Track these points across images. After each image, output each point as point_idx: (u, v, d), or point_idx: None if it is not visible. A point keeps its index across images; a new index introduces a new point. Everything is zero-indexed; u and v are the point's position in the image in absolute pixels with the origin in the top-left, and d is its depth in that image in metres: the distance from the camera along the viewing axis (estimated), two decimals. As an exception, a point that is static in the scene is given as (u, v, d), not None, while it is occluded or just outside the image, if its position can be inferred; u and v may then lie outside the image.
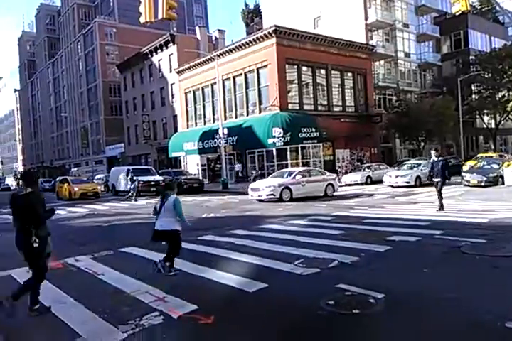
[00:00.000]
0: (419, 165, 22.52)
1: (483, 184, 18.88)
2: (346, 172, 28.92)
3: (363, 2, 35.80)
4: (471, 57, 40.13)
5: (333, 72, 31.35)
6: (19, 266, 7.29)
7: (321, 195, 18.32)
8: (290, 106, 28.60)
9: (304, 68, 29.90)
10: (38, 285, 4.93)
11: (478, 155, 28.70)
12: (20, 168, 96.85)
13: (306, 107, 29.62)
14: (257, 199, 17.69)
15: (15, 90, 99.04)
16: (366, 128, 31.44)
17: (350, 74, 32.77)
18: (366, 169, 26.57)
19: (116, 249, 8.45)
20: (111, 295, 5.44)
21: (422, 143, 34.67)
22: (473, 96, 38.12)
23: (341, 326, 4.15)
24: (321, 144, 29.18)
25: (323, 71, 30.88)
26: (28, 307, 4.78)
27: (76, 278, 6.46)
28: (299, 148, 28.53)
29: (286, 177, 18.04)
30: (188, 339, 4.04)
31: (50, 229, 5.04)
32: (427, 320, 4.13)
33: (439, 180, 11.84)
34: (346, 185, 24.85)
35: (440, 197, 11.83)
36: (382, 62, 38.01)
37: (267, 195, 17.13)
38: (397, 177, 21.58)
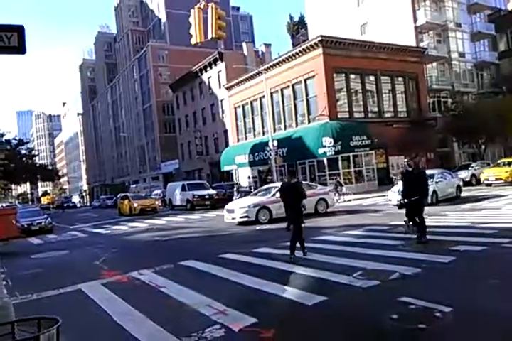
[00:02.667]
0: (432, 176, 16.93)
1: None
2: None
3: (411, 4, 34.96)
4: (531, 53, 37.69)
5: (382, 77, 30.71)
6: (87, 280, 7.78)
7: (312, 212, 15.77)
8: (339, 115, 28.29)
9: (353, 76, 29.56)
10: (299, 238, 8.22)
11: (500, 161, 25.97)
12: (85, 187, 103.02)
13: (356, 115, 29.17)
14: (239, 221, 15.39)
15: (78, 114, 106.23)
16: (420, 133, 30.24)
17: (400, 78, 31.93)
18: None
19: (176, 263, 8.71)
20: (174, 307, 5.62)
21: (483, 147, 32.76)
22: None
23: (406, 341, 4.00)
24: (373, 152, 28.50)
25: (372, 77, 30.36)
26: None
27: (140, 292, 6.74)
28: (351, 157, 28.03)
29: (265, 194, 16.25)
30: (250, 353, 4.07)
31: None
32: (499, 336, 3.88)
33: (416, 198, 8.77)
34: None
35: (421, 223, 8.78)
36: (434, 64, 36.68)
37: (241, 217, 15.17)
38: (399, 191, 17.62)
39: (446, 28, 36.85)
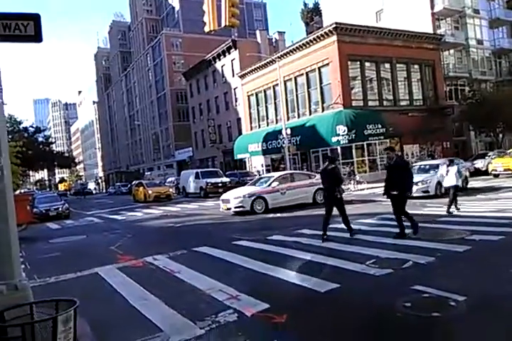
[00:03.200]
0: (436, 166, 16.67)
1: None
2: (417, 169, 27.58)
3: (428, -10, 34.01)
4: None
5: (398, 65, 30.16)
6: (103, 265, 7.95)
7: (310, 202, 15.83)
8: (354, 103, 27.95)
9: (367, 63, 29.09)
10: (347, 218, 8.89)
11: (509, 150, 24.88)
12: (101, 174, 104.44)
13: (370, 103, 28.79)
14: (234, 211, 15.25)
15: (93, 102, 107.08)
16: (436, 122, 29.78)
17: (417, 66, 31.32)
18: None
19: (190, 249, 8.83)
20: (187, 292, 5.71)
21: (500, 135, 32.09)
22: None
23: (420, 329, 4.00)
24: (387, 140, 28.16)
25: (387, 65, 29.84)
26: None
27: (155, 276, 6.87)
28: (365, 146, 27.79)
29: (261, 184, 16.10)
30: (262, 337, 4.13)
31: None
32: (515, 324, 3.86)
33: (394, 193, 8.21)
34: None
35: (408, 219, 8.26)
36: (452, 51, 35.79)
37: (236, 207, 15.01)
38: None
39: (464, 15, 35.83)
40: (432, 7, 33.98)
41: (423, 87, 31.65)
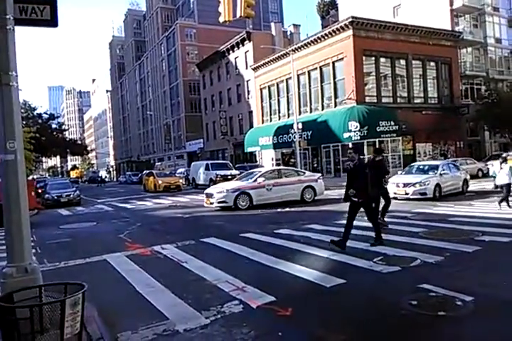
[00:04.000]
0: (436, 167, 15.80)
1: None
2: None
3: (448, -14, 33.36)
4: None
5: (414, 62, 29.73)
6: (112, 252, 8.03)
7: (297, 199, 15.40)
8: (367, 99, 27.68)
9: (383, 59, 28.72)
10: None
11: None
12: (112, 163, 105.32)
13: (384, 100, 28.47)
14: (216, 207, 14.86)
15: (106, 91, 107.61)
16: (451, 121, 29.38)
17: (433, 63, 30.84)
18: (450, 164, 24.85)
19: (198, 239, 8.88)
20: (194, 282, 5.75)
21: (516, 136, 31.58)
22: None
23: (425, 327, 3.97)
24: (400, 138, 27.90)
25: (403, 61, 29.43)
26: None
27: (163, 265, 6.92)
28: (377, 142, 27.52)
29: (247, 179, 15.60)
30: (267, 329, 4.14)
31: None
32: (523, 326, 3.81)
33: (356, 200, 7.41)
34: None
35: (377, 226, 7.67)
36: (469, 49, 35.17)
37: (218, 202, 14.55)
38: (406, 185, 14.57)
39: (483, 12, 35.11)
40: (451, 4, 33.35)
41: (438, 85, 31.18)
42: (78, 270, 6.82)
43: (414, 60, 29.66)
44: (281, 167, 20.33)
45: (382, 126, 25.74)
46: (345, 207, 8.57)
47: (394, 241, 7.62)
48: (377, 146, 25.07)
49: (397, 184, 14.85)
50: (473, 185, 19.19)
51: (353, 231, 8.87)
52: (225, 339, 3.85)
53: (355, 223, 9.74)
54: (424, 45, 29.55)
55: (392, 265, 5.99)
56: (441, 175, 15.12)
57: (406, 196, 14.47)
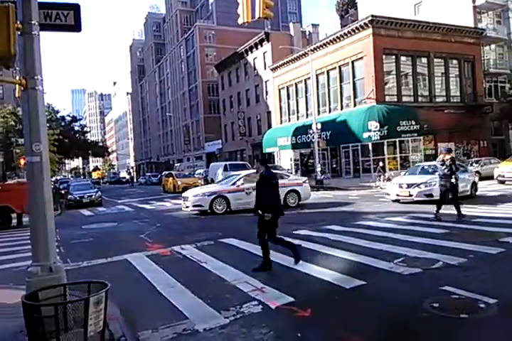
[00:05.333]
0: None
1: None
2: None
3: (470, -18, 32.64)
4: None
5: (435, 60, 29.21)
6: (132, 252, 8.16)
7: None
8: (387, 99, 27.32)
9: (403, 58, 28.32)
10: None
11: None
12: (132, 164, 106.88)
13: (404, 99, 28.06)
14: (197, 211, 14.45)
15: (127, 93, 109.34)
16: (474, 120, 28.74)
17: (455, 61, 30.23)
18: (474, 164, 24.31)
19: (217, 240, 8.94)
20: (213, 282, 5.79)
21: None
22: None
23: (447, 330, 3.90)
24: (421, 137, 27.42)
25: (424, 60, 28.95)
26: None
27: (182, 265, 7.00)
28: (397, 142, 27.14)
29: (226, 183, 15.18)
30: (286, 330, 4.14)
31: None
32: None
33: (261, 213, 6.43)
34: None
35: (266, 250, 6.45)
36: (492, 46, 34.28)
37: (194, 206, 14.09)
38: (410, 186, 13.51)
39: (506, 9, 34.15)
40: (474, 0, 32.62)
41: (461, 83, 30.54)
42: (100, 269, 6.95)
43: (436, 58, 29.15)
44: None
45: (403, 125, 25.38)
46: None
47: (416, 243, 7.50)
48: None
49: (400, 185, 13.89)
50: (493, 187, 18.65)
51: (372, 232, 8.79)
52: (244, 340, 3.87)
53: (375, 224, 9.60)
54: (446, 42, 29.00)
55: (414, 267, 5.89)
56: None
57: (410, 198, 13.53)
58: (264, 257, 6.35)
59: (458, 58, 30.10)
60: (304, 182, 15.88)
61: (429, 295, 4.68)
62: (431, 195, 12.98)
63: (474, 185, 15.19)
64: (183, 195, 15.11)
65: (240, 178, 14.78)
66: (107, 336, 3.50)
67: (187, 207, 14.46)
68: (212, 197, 14.12)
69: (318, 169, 23.53)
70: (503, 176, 19.34)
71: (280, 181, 14.53)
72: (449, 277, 5.38)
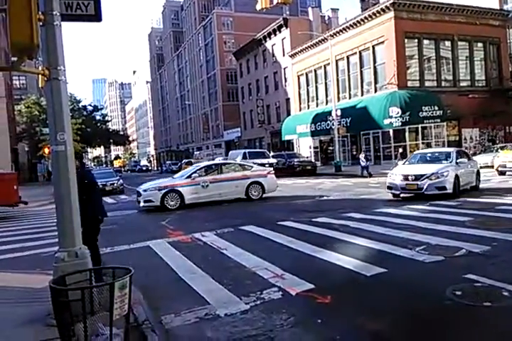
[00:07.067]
0: (448, 154, 12.82)
1: None
2: (474, 154, 26.17)
3: (498, -40, 31.30)
4: None
5: (459, 43, 28.33)
6: (154, 238, 8.31)
7: (242, 197, 14.18)
8: (409, 84, 26.75)
9: (426, 41, 27.56)
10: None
11: None
12: (152, 152, 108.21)
13: (427, 84, 27.40)
14: (149, 206, 13.47)
15: (146, 82, 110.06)
16: (500, 104, 27.87)
17: (480, 44, 29.28)
18: (499, 150, 23.66)
19: (236, 227, 9.02)
20: (233, 268, 5.86)
21: None
22: None
23: (470, 318, 3.87)
24: (444, 123, 26.84)
25: (447, 43, 28.11)
26: None
27: (203, 252, 7.10)
28: (419, 128, 26.64)
29: (181, 176, 14.34)
30: (307, 316, 4.17)
31: None
32: None
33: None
34: (482, 167, 21.52)
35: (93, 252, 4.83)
36: (521, 27, 33.00)
37: (144, 202, 13.20)
38: (418, 178, 11.54)
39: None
40: (501, -21, 31.33)
41: (486, 67, 29.61)
42: (123, 255, 7.11)
43: (460, 41, 28.29)
44: (225, 161, 18.61)
45: (426, 111, 24.86)
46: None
47: (438, 231, 7.40)
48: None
49: (405, 176, 11.75)
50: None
51: (394, 220, 8.71)
52: (265, 325, 3.92)
53: (396, 211, 9.48)
54: (470, 25, 28.10)
55: (435, 254, 5.83)
56: (457, 163, 12.14)
57: (419, 192, 11.55)
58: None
59: (483, 41, 29.18)
60: (269, 173, 15.09)
61: (452, 283, 4.63)
62: (443, 188, 11.34)
63: (478, 176, 13.51)
64: (137, 189, 14.09)
65: (196, 171, 14.05)
66: (132, 319, 3.60)
67: (138, 202, 13.57)
68: (163, 191, 13.14)
69: (362, 155, 22.12)
70: (505, 166, 17.40)
71: (241, 173, 14.45)
72: (472, 265, 5.30)
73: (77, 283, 3.18)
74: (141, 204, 13.39)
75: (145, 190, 13.46)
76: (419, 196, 11.72)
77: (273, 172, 15.59)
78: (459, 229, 7.40)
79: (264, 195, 14.64)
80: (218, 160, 40.10)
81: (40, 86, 5.21)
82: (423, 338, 3.64)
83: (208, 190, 13.62)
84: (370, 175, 21.53)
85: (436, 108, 25.02)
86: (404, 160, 14.27)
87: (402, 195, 12.20)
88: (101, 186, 22.09)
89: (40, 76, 4.04)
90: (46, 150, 22.52)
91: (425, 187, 11.38)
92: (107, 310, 2.94)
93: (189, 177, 13.73)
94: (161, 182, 14.03)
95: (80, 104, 54.98)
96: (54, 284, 3.05)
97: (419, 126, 26.13)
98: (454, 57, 28.30)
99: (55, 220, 4.05)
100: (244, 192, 14.24)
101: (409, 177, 11.67)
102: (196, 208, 13.12)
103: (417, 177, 11.53)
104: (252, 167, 15.21)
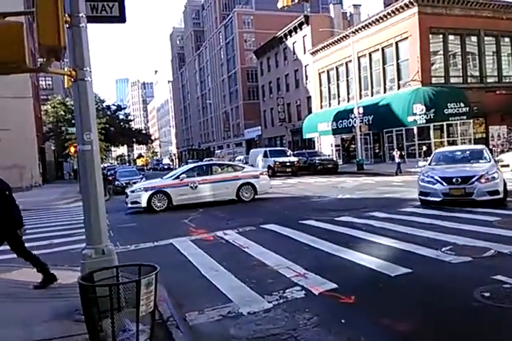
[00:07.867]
0: (480, 152, 11.28)
1: None
2: (502, 152, 25.43)
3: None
4: None
5: (486, 38, 27.55)
6: (177, 236, 8.40)
7: (233, 198, 13.80)
8: (434, 80, 26.18)
9: (451, 37, 26.91)
10: None
11: None
12: (174, 151, 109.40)
13: (452, 80, 26.76)
14: (136, 208, 13.35)
15: (168, 82, 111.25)
16: (530, 101, 27.00)
17: (507, 39, 28.44)
18: (528, 148, 22.90)
19: (258, 226, 9.03)
20: (256, 267, 5.88)
21: None
22: None
23: (499, 320, 3.77)
24: (471, 120, 26.17)
25: (474, 38, 27.38)
26: None
27: (225, 250, 7.14)
28: (444, 126, 26.06)
29: (170, 176, 13.96)
30: (330, 316, 4.15)
31: None
32: None
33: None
34: (502, 166, 21.05)
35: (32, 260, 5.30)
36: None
37: (131, 203, 13.02)
38: (466, 180, 9.45)
39: None
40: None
41: (515, 62, 28.70)
42: (148, 252, 7.23)
43: (487, 36, 27.52)
44: (217, 161, 18.01)
45: (451, 108, 24.30)
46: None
47: (464, 230, 7.23)
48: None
49: (449, 179, 9.58)
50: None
51: (419, 219, 8.55)
52: (288, 324, 3.91)
53: (421, 211, 9.25)
54: (497, 19, 27.27)
55: (462, 255, 5.69)
56: (496, 162, 10.80)
57: (467, 198, 9.46)
58: (42, 272, 5.22)
59: (510, 36, 28.26)
60: (262, 173, 14.79)
61: (480, 285, 4.52)
62: (496, 193, 9.40)
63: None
64: (126, 190, 13.95)
65: (184, 172, 13.85)
66: (157, 316, 3.65)
67: (126, 203, 13.34)
68: (150, 192, 12.93)
69: (397, 153, 21.71)
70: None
71: (232, 174, 14.18)
72: (501, 266, 5.16)
73: (103, 280, 3.25)
74: (129, 205, 13.20)
75: (132, 191, 13.27)
76: (463, 202, 9.55)
77: (266, 173, 15.40)
78: (486, 229, 7.20)
79: (256, 196, 14.15)
80: (238, 158, 40.33)
81: (65, 86, 5.32)
82: None
83: (196, 191, 13.35)
84: (397, 173, 21.22)
85: (462, 105, 24.44)
86: (429, 160, 11.84)
87: (448, 201, 9.71)
88: (124, 184, 22.57)
89: (65, 77, 4.14)
90: (72, 149, 23.09)
91: (475, 191, 9.35)
92: (133, 307, 3.00)
93: (177, 177, 13.48)
94: (148, 183, 13.94)
95: (104, 104, 55.95)
96: (82, 281, 3.13)
97: (445, 123, 25.56)
98: (481, 52, 27.54)
99: (82, 218, 4.14)
100: (235, 194, 13.88)
101: (455, 180, 9.52)
102: (217, 207, 13.19)
103: (464, 180, 9.47)
104: (243, 168, 15.00)
